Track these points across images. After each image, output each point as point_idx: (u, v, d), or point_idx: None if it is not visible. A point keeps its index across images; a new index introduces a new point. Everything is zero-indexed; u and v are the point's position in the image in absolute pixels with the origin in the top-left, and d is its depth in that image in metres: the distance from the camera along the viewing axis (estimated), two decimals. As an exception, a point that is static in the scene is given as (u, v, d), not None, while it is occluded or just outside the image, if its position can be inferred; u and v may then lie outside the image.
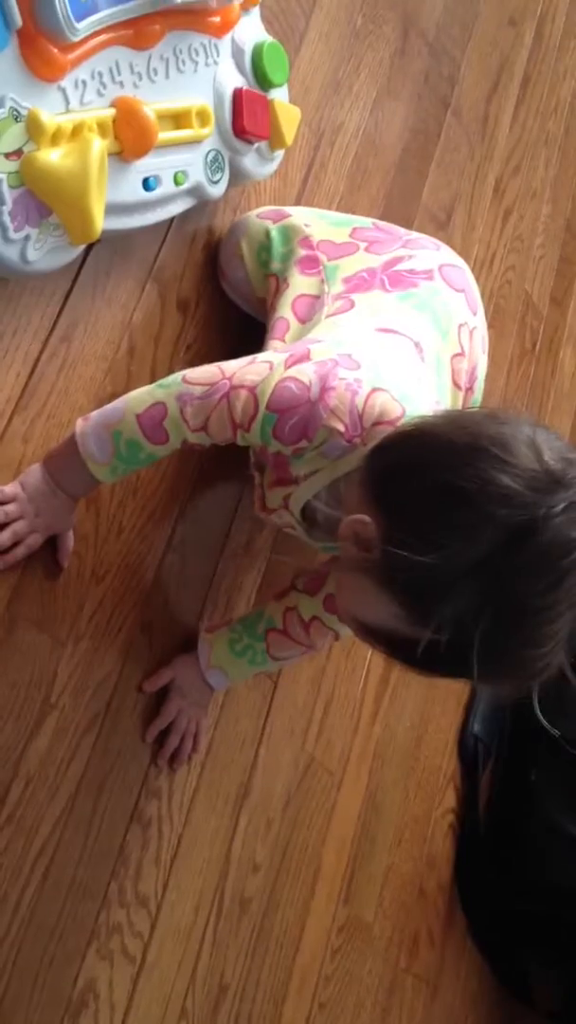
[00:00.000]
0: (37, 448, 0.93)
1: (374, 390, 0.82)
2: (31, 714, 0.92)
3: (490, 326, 1.61)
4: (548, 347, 1.81)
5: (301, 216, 1.07)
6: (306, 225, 1.04)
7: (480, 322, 1.00)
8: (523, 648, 0.74)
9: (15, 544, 0.90)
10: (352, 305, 0.93)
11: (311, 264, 1.01)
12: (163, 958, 1.02)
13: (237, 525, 1.12)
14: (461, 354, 0.95)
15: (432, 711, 1.43)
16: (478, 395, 1.00)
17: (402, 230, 1.06)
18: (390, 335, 0.89)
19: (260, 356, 0.88)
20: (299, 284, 0.99)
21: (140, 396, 0.88)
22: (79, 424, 0.90)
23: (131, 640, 1.01)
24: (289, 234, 1.04)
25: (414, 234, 1.06)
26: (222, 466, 1.08)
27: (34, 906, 0.91)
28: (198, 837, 1.06)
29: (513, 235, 1.70)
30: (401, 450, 0.78)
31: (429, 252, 1.01)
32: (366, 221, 1.07)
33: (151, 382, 1.02)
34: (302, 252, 1.02)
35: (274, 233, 1.05)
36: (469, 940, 1.45)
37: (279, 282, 1.03)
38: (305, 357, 0.84)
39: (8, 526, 0.90)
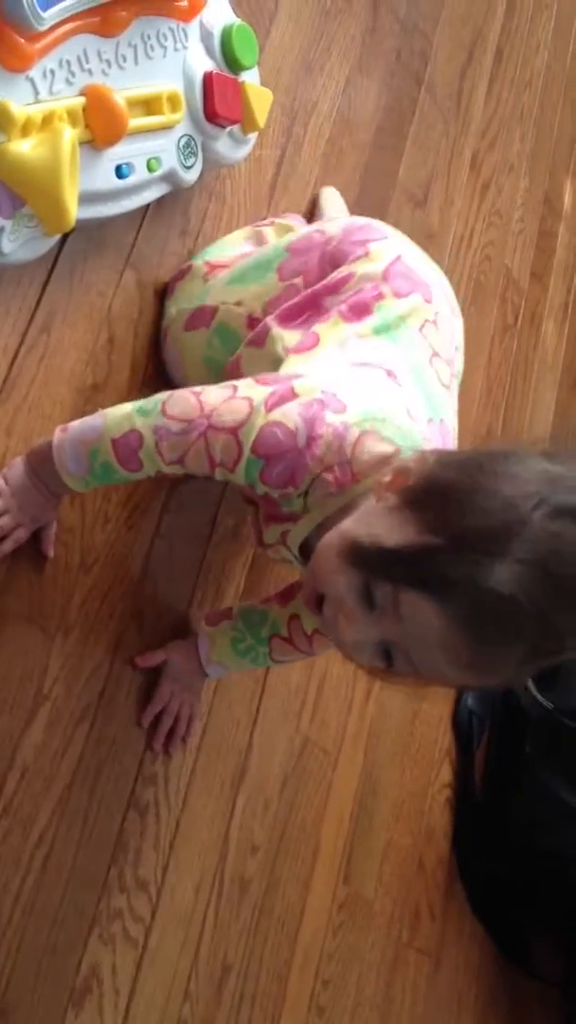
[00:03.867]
0: (20, 441, 0.93)
1: (363, 434, 0.81)
2: (24, 706, 0.92)
3: (471, 302, 1.62)
4: (530, 321, 1.81)
5: (225, 297, 1.00)
6: (237, 304, 0.98)
7: (439, 302, 0.95)
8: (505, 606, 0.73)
9: (1, 539, 0.90)
10: (317, 340, 0.90)
11: (260, 336, 0.95)
12: (165, 941, 1.03)
13: (224, 511, 1.12)
14: (435, 354, 0.92)
15: (426, 688, 1.44)
16: (459, 366, 0.98)
17: (316, 235, 0.99)
18: (364, 368, 0.87)
19: (240, 389, 0.84)
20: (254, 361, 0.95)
21: (118, 419, 0.86)
22: (57, 435, 0.89)
23: (122, 629, 1.02)
24: (230, 327, 0.98)
25: (334, 228, 0.98)
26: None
27: (35, 895, 0.92)
28: (196, 821, 1.07)
29: (491, 210, 1.70)
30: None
31: (368, 262, 0.93)
32: (280, 248, 1.00)
33: (131, 372, 1.04)
34: (250, 332, 0.97)
35: (215, 340, 0.99)
36: (469, 912, 1.46)
37: (238, 364, 0.98)
38: (289, 395, 0.82)
39: (-7, 521, 0.90)
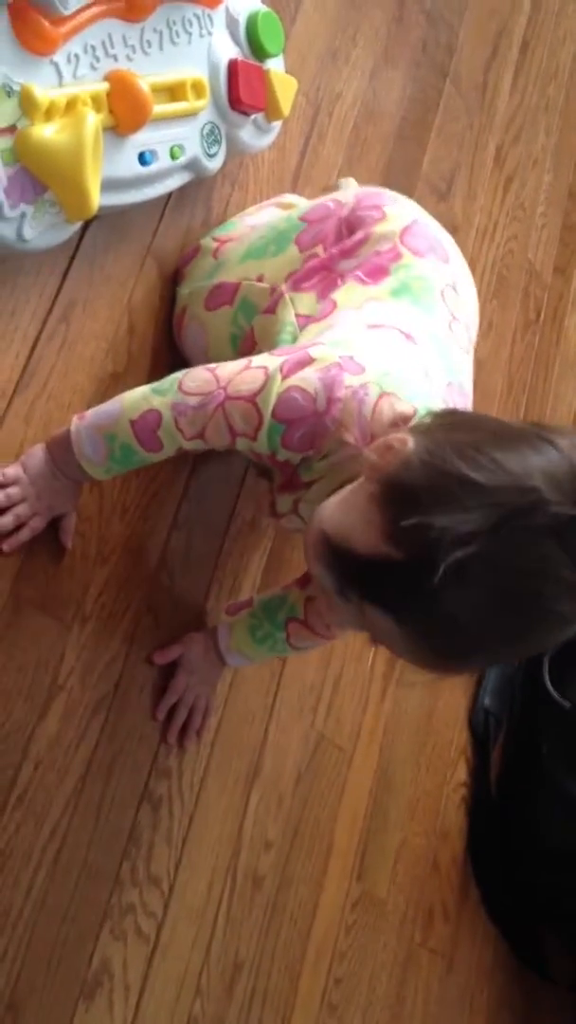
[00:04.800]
0: (38, 429, 0.92)
1: (382, 395, 0.80)
2: (39, 697, 0.92)
3: (493, 296, 1.61)
4: (552, 317, 1.79)
5: (245, 273, 0.98)
6: (259, 280, 0.96)
7: (456, 267, 0.96)
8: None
9: (18, 527, 0.89)
10: (334, 306, 0.90)
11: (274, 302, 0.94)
12: (177, 937, 1.02)
13: (242, 503, 1.11)
14: (455, 318, 0.92)
15: (442, 686, 1.43)
16: (473, 332, 0.97)
17: (331, 204, 0.98)
18: (380, 330, 0.86)
19: (255, 360, 0.85)
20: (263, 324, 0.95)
21: (135, 400, 0.86)
22: (74, 423, 0.88)
23: (137, 621, 1.01)
24: (254, 301, 0.96)
25: (347, 196, 0.98)
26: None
27: (46, 888, 0.91)
28: (209, 816, 1.06)
29: (515, 204, 1.68)
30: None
31: (384, 224, 0.94)
32: (294, 219, 0.99)
33: (152, 362, 1.03)
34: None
35: (240, 315, 0.97)
36: (483, 913, 1.45)
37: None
38: (306, 360, 0.82)
39: (11, 509, 0.89)
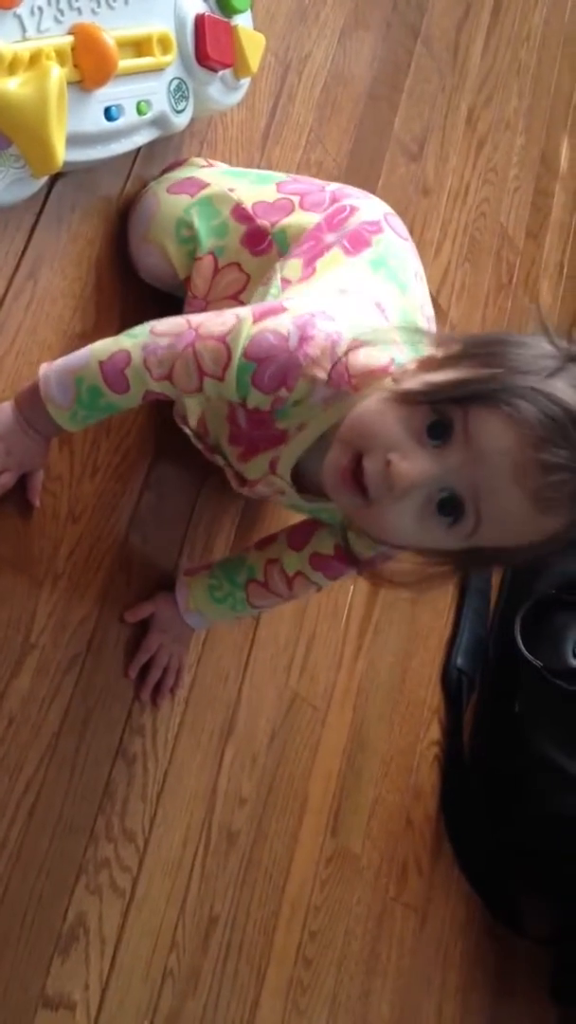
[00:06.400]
0: (6, 387, 0.92)
1: (355, 340, 0.82)
2: (11, 654, 0.92)
3: (465, 260, 1.61)
4: (525, 281, 1.80)
5: (219, 181, 1.00)
6: (230, 190, 0.98)
7: (421, 268, 0.99)
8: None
9: (-12, 484, 0.90)
10: (314, 272, 0.91)
11: (258, 239, 0.95)
12: (152, 891, 1.03)
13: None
14: (422, 304, 0.94)
15: (415, 646, 1.44)
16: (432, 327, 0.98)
17: (317, 180, 1.02)
18: (353, 295, 0.87)
19: (228, 311, 0.86)
20: (257, 269, 0.95)
21: (106, 344, 0.87)
22: (42, 368, 0.89)
23: (110, 579, 1.01)
24: (215, 206, 0.98)
25: (330, 184, 1.01)
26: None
27: (21, 843, 0.92)
28: (184, 772, 1.07)
29: (487, 167, 1.68)
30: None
31: (368, 201, 0.97)
32: (281, 174, 1.02)
33: (120, 318, 1.02)
34: (242, 227, 0.96)
35: (195, 209, 0.98)
36: (457, 869, 1.47)
37: (217, 261, 0.97)
38: (279, 309, 0.83)
39: (-21, 466, 0.89)
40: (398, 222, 0.98)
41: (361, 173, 1.36)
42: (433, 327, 0.97)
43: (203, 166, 1.05)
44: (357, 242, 0.92)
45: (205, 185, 1.00)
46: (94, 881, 0.98)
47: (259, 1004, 1.14)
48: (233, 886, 1.12)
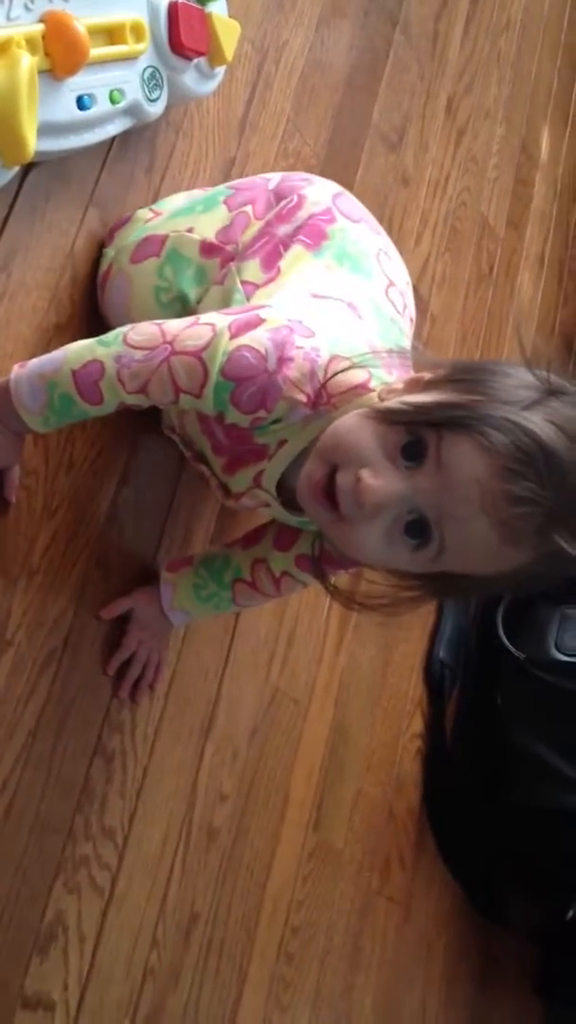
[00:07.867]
0: (-21, 381, 0.91)
1: (333, 357, 0.81)
2: (-14, 652, 0.91)
3: (446, 249, 1.60)
4: (506, 271, 1.79)
5: (173, 226, 0.97)
6: (189, 231, 0.96)
7: (385, 237, 0.98)
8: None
9: (-39, 480, 0.88)
10: (279, 272, 0.90)
11: (229, 262, 0.94)
12: (132, 889, 1.02)
13: (192, 456, 1.10)
14: (391, 284, 0.93)
15: (396, 638, 1.43)
16: (408, 297, 0.97)
17: (258, 178, 1.00)
18: (326, 300, 0.86)
19: (203, 317, 0.84)
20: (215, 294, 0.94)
21: (79, 350, 0.85)
22: (15, 370, 0.87)
23: (87, 574, 1.00)
24: (183, 254, 0.95)
25: (273, 175, 1.00)
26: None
27: (-2, 842, 0.91)
28: (163, 769, 1.06)
29: (467, 156, 1.67)
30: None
31: (313, 187, 0.96)
32: (222, 188, 1.00)
33: (95, 312, 1.01)
34: (214, 260, 0.94)
35: (167, 268, 0.95)
36: (440, 862, 1.46)
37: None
38: (255, 322, 0.81)
39: (-48, 462, 0.88)
40: (347, 201, 0.97)
41: (340, 163, 1.35)
42: (410, 301, 0.96)
43: (150, 219, 1.01)
44: (314, 235, 0.91)
45: (164, 238, 0.96)
46: (73, 879, 0.97)
47: (241, 1001, 1.13)
48: (214, 883, 1.11)
